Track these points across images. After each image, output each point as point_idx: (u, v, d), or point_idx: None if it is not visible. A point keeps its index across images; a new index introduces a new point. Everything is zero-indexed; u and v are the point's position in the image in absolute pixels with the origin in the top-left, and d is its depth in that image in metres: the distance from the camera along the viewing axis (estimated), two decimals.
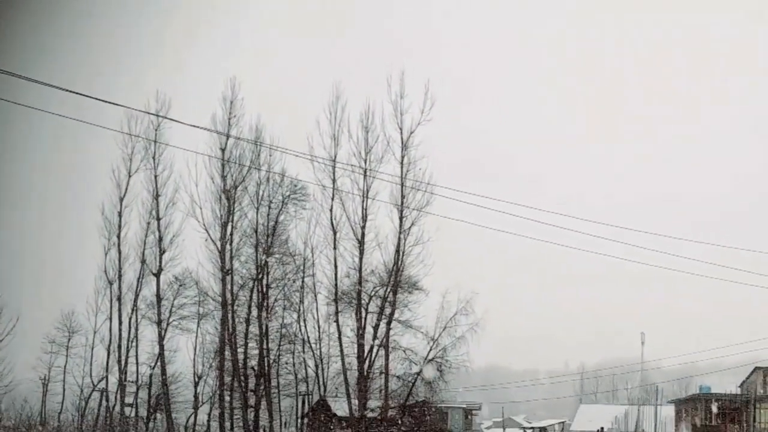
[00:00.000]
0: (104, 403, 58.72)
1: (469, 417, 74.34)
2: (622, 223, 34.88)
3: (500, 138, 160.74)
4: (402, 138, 51.88)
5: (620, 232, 34.92)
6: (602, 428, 69.58)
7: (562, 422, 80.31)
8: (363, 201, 52.31)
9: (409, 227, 51.77)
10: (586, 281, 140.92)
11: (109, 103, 22.31)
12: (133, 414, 58.21)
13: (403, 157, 51.72)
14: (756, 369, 61.96)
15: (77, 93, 20.47)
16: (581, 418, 74.69)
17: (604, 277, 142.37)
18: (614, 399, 78.65)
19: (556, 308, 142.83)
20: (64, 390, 60.55)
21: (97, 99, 21.16)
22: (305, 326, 56.86)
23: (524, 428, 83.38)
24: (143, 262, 57.16)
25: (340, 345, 53.27)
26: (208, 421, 59.61)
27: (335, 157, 52.26)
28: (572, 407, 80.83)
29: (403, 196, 51.63)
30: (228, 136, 54.19)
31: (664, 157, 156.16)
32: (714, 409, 60.21)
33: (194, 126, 29.09)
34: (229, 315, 55.69)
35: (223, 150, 55.28)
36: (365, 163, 52.06)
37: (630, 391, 73.42)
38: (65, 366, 60.59)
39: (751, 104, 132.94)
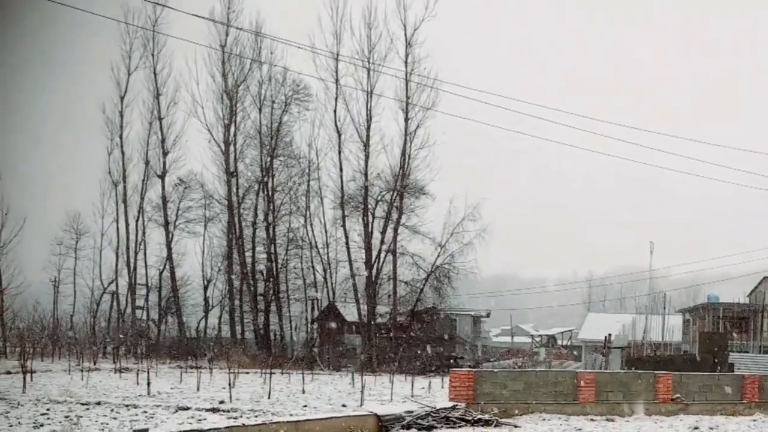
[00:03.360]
0: (115, 305, 59.39)
1: (478, 324, 74.89)
2: (632, 123, 33.79)
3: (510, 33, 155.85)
4: (406, 35, 50.60)
5: (631, 133, 33.95)
6: (609, 335, 69.85)
7: (570, 330, 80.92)
8: (367, 100, 51.27)
9: (415, 129, 51.02)
10: (597, 189, 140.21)
11: None
12: (144, 316, 58.82)
13: (407, 55, 50.60)
14: (765, 279, 61.44)
15: None
16: (589, 326, 74.79)
17: (614, 184, 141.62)
18: (622, 308, 78.64)
19: (566, 216, 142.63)
20: (75, 292, 61.29)
21: None
22: (312, 231, 56.62)
23: (532, 336, 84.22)
24: (147, 163, 56.91)
25: (348, 250, 53.15)
26: (219, 324, 59.99)
27: (337, 54, 50.96)
28: (580, 316, 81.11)
29: (408, 96, 50.54)
30: (228, 26, 52.85)
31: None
32: (721, 317, 60.16)
33: (194, 15, 28.07)
34: (236, 218, 55.58)
35: (222, 47, 54.14)
36: (368, 62, 50.78)
37: (638, 299, 73.33)
38: (74, 268, 61.24)
39: None
